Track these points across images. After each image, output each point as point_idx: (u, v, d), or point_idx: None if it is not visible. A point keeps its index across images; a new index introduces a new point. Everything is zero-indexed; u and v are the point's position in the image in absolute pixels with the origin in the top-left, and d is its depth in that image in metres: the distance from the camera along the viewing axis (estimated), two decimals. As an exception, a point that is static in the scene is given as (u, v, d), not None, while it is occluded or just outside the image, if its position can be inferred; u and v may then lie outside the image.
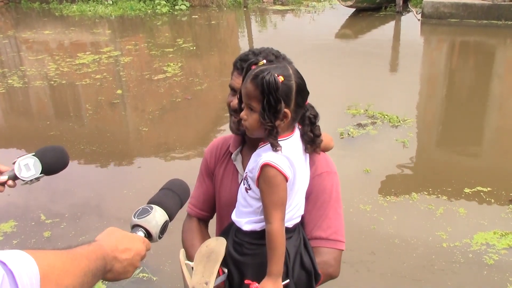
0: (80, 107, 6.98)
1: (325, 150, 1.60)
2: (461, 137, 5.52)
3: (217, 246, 1.45)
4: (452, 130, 5.76)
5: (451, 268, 3.25)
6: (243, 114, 1.37)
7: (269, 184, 1.33)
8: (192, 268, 1.45)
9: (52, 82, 7.88)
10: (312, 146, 1.46)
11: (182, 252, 1.54)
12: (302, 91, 1.36)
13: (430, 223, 3.74)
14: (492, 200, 4.03)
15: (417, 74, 7.87)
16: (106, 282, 3.10)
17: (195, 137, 5.87)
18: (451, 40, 10.27)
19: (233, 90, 1.60)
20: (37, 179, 1.44)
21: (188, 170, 4.80)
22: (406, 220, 3.82)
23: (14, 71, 8.78)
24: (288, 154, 1.35)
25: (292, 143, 1.40)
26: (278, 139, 1.35)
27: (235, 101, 1.55)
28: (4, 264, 0.80)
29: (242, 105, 1.39)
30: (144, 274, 3.28)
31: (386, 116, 5.77)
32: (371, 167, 4.59)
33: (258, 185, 1.36)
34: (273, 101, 1.29)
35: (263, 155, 1.35)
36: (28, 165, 1.41)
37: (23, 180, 1.42)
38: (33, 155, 1.44)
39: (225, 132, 5.72)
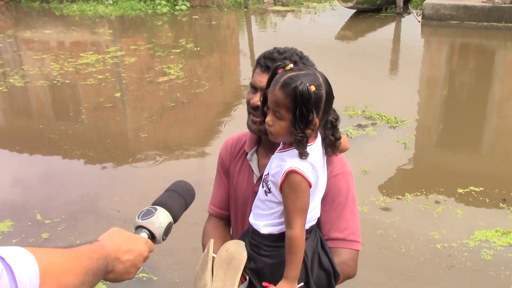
0: (79, 108, 6.97)
1: (342, 151, 1.59)
2: (460, 138, 5.53)
3: (238, 252, 1.45)
4: (451, 132, 5.76)
5: (456, 269, 3.25)
6: (268, 119, 1.35)
7: (294, 190, 1.33)
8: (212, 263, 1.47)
9: (55, 82, 7.87)
10: (333, 150, 1.46)
11: (211, 243, 1.53)
12: (330, 98, 1.35)
13: (428, 224, 3.75)
14: (487, 200, 4.05)
15: (417, 76, 7.87)
16: (107, 282, 3.10)
17: (194, 139, 5.85)
18: (451, 42, 10.27)
19: (254, 88, 1.57)
20: None
21: (187, 173, 4.80)
22: (404, 221, 3.82)
23: (16, 70, 8.77)
24: (312, 160, 1.35)
25: (315, 148, 1.39)
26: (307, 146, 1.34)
27: (255, 99, 1.54)
28: (2, 259, 0.79)
29: (265, 108, 1.38)
30: (144, 274, 3.27)
31: (384, 117, 5.78)
32: (369, 168, 4.59)
33: (281, 190, 1.36)
34: (305, 111, 1.28)
35: (288, 160, 1.34)
36: None
37: None
38: None
39: (225, 135, 5.72)
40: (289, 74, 1.31)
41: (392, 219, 3.84)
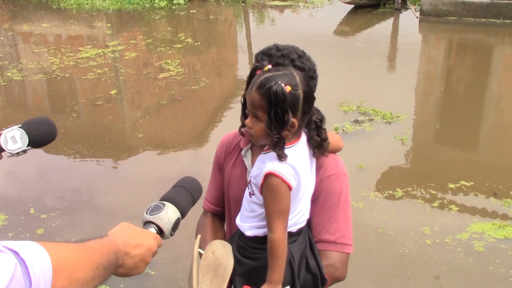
0: (76, 103, 6.95)
1: (335, 151, 1.57)
2: (457, 134, 5.55)
3: (224, 257, 1.43)
4: (448, 128, 5.79)
5: (453, 263, 3.28)
6: (248, 121, 1.35)
7: (273, 193, 1.32)
8: (201, 255, 1.46)
9: (54, 76, 7.85)
10: (320, 150, 1.44)
11: (198, 239, 1.54)
12: (309, 98, 1.33)
13: (422, 219, 3.77)
14: (479, 194, 4.09)
15: (413, 72, 7.88)
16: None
17: (191, 136, 5.85)
18: (449, 38, 10.29)
19: None
20: (24, 151, 1.37)
21: (183, 170, 4.78)
22: (399, 217, 3.84)
23: (14, 64, 8.74)
24: (293, 162, 1.33)
25: (297, 150, 1.38)
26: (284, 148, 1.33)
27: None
28: (16, 253, 0.79)
29: (246, 111, 1.37)
30: (143, 269, 3.28)
31: (379, 113, 5.80)
32: (365, 163, 4.61)
33: (261, 193, 1.35)
34: (281, 112, 1.26)
35: (268, 163, 1.33)
36: (14, 138, 1.35)
37: (10, 153, 1.36)
38: (19, 127, 1.37)
39: (222, 131, 5.71)
40: (266, 75, 1.30)
41: (388, 215, 3.85)
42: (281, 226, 1.32)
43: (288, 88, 1.26)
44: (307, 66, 1.48)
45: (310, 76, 1.46)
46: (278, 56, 1.47)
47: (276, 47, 1.50)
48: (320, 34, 10.67)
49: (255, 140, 1.39)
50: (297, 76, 1.31)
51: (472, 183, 4.24)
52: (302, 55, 1.49)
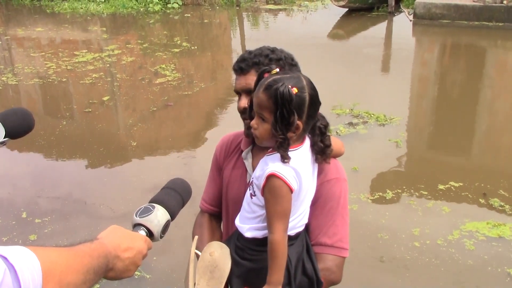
0: (70, 108, 6.94)
1: (336, 156, 1.59)
2: (451, 137, 5.57)
3: (222, 259, 1.44)
4: (442, 130, 5.81)
5: (449, 264, 3.29)
6: (253, 122, 1.37)
7: (274, 194, 1.33)
8: (198, 256, 1.47)
9: (50, 80, 7.83)
10: (322, 156, 1.45)
11: (195, 240, 1.54)
12: (315, 102, 1.35)
13: (414, 221, 3.79)
14: (469, 195, 4.12)
15: (407, 75, 7.91)
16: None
17: (185, 140, 5.84)
18: (442, 41, 10.33)
19: (238, 93, 1.58)
20: (2, 143, 1.37)
21: (176, 174, 4.77)
22: (393, 219, 3.85)
23: (10, 68, 8.71)
24: (296, 165, 1.35)
25: (301, 153, 1.39)
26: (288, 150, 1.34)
27: (239, 103, 1.56)
28: (5, 258, 0.79)
29: (252, 112, 1.39)
30: (137, 273, 3.27)
31: (372, 115, 5.81)
32: (359, 165, 4.62)
33: (263, 194, 1.36)
34: (286, 113, 1.28)
35: (270, 164, 1.35)
36: None
37: None
38: None
39: (216, 135, 5.71)
40: (273, 77, 1.32)
41: (383, 217, 3.87)
42: (281, 228, 1.34)
43: (294, 90, 1.28)
44: (283, 55, 1.52)
45: (289, 64, 1.51)
46: (252, 58, 1.51)
47: (248, 52, 1.55)
48: (314, 37, 10.70)
49: (259, 141, 1.40)
50: (304, 80, 1.34)
51: (461, 184, 4.27)
52: (274, 49, 1.54)
